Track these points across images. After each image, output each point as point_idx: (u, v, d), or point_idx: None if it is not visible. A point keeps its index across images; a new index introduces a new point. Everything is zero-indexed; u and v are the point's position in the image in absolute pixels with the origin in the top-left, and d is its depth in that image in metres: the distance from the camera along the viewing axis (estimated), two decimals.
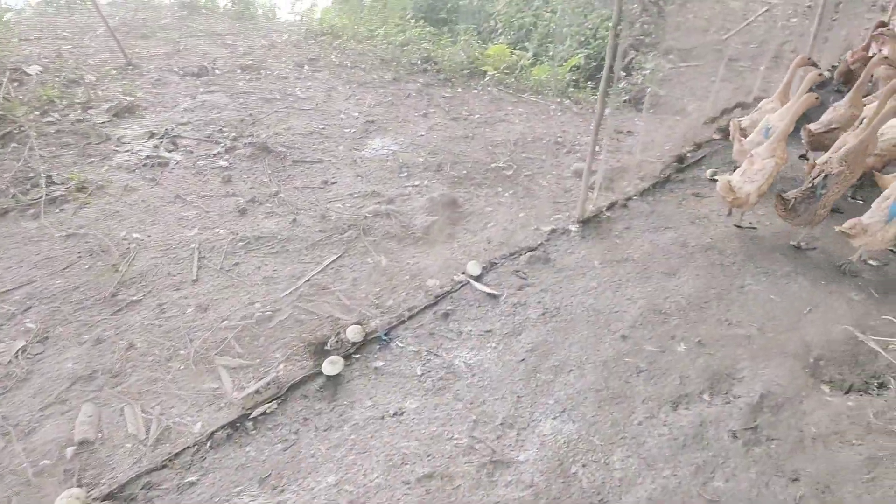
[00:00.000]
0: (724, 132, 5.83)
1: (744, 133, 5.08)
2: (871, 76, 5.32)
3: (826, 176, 3.93)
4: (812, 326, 3.51)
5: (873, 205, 3.85)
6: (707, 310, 3.64)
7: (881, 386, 3.14)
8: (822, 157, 4.26)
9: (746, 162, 4.33)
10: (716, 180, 5.11)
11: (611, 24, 4.06)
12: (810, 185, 3.97)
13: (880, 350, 3.33)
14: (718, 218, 4.61)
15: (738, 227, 4.48)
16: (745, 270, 4.00)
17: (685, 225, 4.51)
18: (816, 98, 4.38)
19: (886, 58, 5.22)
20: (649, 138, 6.07)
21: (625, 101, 7.56)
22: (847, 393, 3.12)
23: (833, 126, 4.90)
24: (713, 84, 7.99)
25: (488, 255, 4.16)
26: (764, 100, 5.42)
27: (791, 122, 4.23)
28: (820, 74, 4.70)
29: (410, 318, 3.56)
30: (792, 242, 4.26)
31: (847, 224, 3.80)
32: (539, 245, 4.24)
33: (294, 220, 4.41)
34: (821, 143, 4.93)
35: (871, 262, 4.09)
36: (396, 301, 3.70)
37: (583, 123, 6.34)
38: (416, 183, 5.02)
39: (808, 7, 8.63)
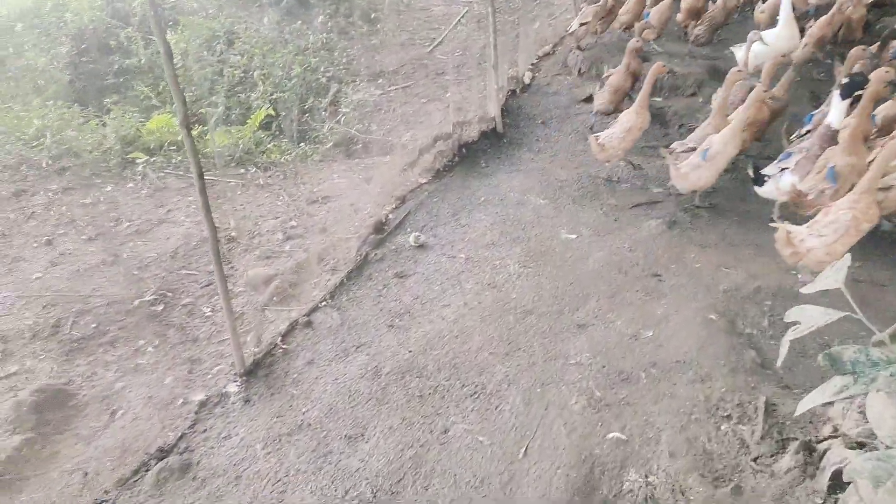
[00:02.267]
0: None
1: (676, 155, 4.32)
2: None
3: None
4: None
5: None
6: (401, 494, 2.51)
7: None
8: None
9: (822, 212, 3.29)
10: (421, 245, 4.10)
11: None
12: None
13: None
14: (431, 308, 3.55)
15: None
16: (452, 396, 2.95)
17: (382, 335, 3.37)
18: None
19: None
20: (348, 201, 4.93)
21: (332, 148, 6.38)
22: None
23: None
24: (425, 105, 7.13)
25: (99, 483, 2.69)
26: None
27: (878, 172, 3.14)
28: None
29: None
30: None
31: None
32: (178, 441, 2.84)
33: None
34: None
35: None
36: None
37: (270, 200, 5.03)
38: (11, 370, 3.37)
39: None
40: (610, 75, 5.43)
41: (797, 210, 3.72)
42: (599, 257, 3.83)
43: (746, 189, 4.52)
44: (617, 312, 3.31)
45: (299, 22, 8.53)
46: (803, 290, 1.72)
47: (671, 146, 4.49)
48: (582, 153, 5.49)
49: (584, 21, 6.74)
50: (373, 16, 9.23)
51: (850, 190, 3.25)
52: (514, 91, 6.69)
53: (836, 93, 3.77)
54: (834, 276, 1.60)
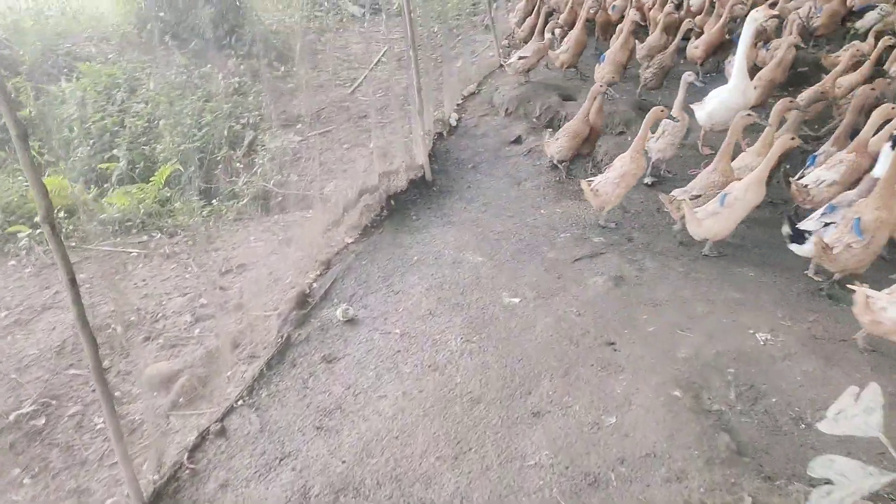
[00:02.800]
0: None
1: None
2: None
3: None
4: None
5: None
6: None
7: None
8: None
9: None
10: (351, 320, 3.64)
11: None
12: None
13: None
14: (365, 401, 3.08)
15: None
16: None
17: (309, 441, 2.87)
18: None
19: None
20: (266, 269, 4.40)
21: (249, 204, 5.83)
22: None
23: None
24: (348, 152, 6.70)
25: None
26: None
27: None
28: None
29: None
30: None
31: None
32: None
33: None
34: None
35: None
36: None
37: (177, 272, 4.43)
38: None
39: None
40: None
41: (821, 264, 3.53)
42: (547, 325, 3.47)
43: (686, 236, 4.32)
44: (573, 395, 2.95)
45: (209, 65, 7.95)
46: (822, 429, 1.36)
47: (672, 193, 4.29)
48: (515, 200, 5.20)
49: (523, 55, 6.56)
50: (288, 57, 8.76)
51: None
52: (441, 134, 6.37)
53: (886, 145, 3.63)
54: (865, 418, 1.26)
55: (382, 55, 8.86)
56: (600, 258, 4.19)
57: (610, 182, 4.32)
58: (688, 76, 4.89)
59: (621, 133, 6.02)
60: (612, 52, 6.19)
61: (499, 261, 4.24)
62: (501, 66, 7.82)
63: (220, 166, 6.49)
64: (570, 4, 7.48)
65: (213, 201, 5.81)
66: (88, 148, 6.54)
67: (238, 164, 6.35)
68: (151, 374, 3.34)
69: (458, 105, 6.97)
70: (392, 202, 5.18)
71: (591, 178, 4.48)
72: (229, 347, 3.46)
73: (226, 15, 8.62)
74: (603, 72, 6.13)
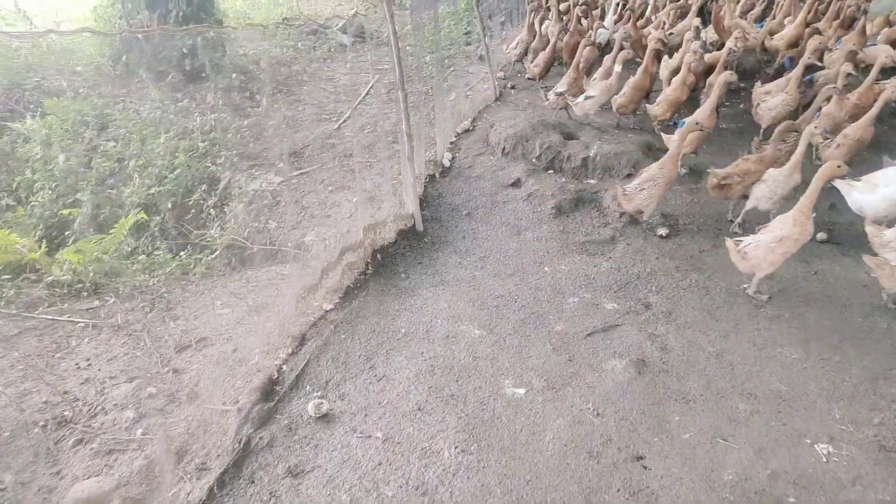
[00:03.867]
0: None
1: None
2: None
3: None
4: None
5: None
6: None
7: None
8: None
9: None
10: (325, 415, 2.99)
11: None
12: None
13: None
14: None
15: None
16: None
17: None
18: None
19: None
20: (231, 345, 3.75)
21: (220, 256, 5.19)
22: None
23: None
24: (332, 195, 6.08)
25: None
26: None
27: None
28: None
29: None
30: None
31: None
32: None
33: None
34: None
35: None
36: None
37: (127, 349, 3.76)
38: None
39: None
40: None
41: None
42: (560, 429, 2.83)
43: (713, 301, 3.70)
44: None
45: (186, 100, 7.34)
46: None
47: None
48: (515, 254, 4.58)
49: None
50: (272, 89, 8.18)
51: None
52: (433, 176, 5.77)
53: None
54: None
55: (371, 87, 8.28)
56: (616, 332, 3.56)
57: (764, 245, 3.60)
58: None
59: (629, 176, 5.42)
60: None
61: (499, 335, 3.60)
62: (497, 99, 7.27)
63: (191, 212, 5.85)
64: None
65: (182, 254, 5.16)
66: (50, 192, 5.89)
67: (212, 211, 5.71)
68: (77, 497, 2.67)
69: (451, 143, 6.38)
70: (378, 256, 4.57)
71: (739, 238, 3.83)
72: (173, 460, 2.79)
73: (206, 46, 8.03)
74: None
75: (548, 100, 6.32)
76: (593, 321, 3.68)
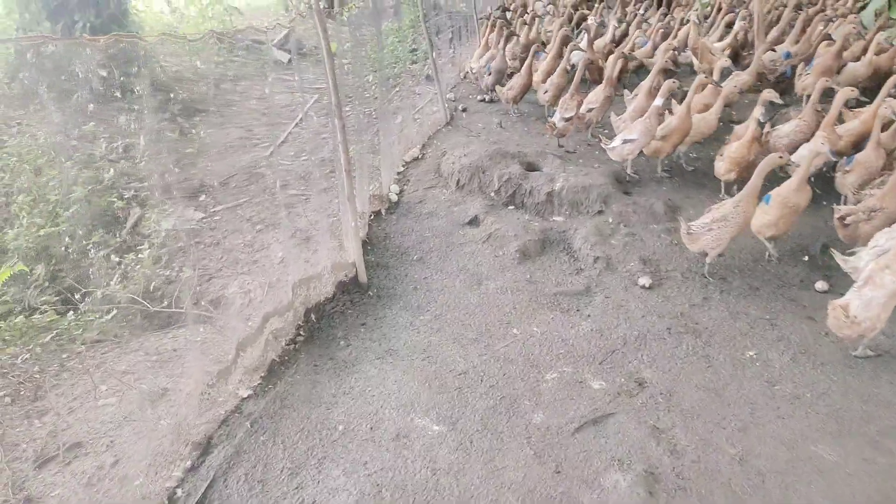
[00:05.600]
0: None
1: None
2: None
3: None
4: None
5: None
6: None
7: None
8: None
9: None
10: None
11: None
12: None
13: None
14: None
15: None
16: None
17: None
18: None
19: None
20: (111, 453, 2.75)
21: (117, 316, 4.14)
22: None
23: None
24: (261, 234, 5.11)
25: None
26: None
27: None
28: None
29: None
30: None
31: None
32: None
33: None
34: None
35: None
36: None
37: None
38: None
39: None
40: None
41: None
42: None
43: (717, 375, 2.97)
44: None
45: (93, 123, 6.22)
46: None
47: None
48: (477, 310, 3.76)
49: (629, 138, 4.81)
50: (196, 110, 7.13)
51: None
52: (378, 213, 4.91)
53: None
54: None
55: (309, 107, 7.35)
56: (610, 425, 2.77)
57: (876, 303, 2.93)
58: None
59: (600, 212, 4.70)
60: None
61: (464, 432, 2.75)
62: (448, 123, 6.47)
63: (89, 258, 4.76)
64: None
65: (70, 313, 4.08)
66: None
67: (114, 257, 4.65)
68: None
69: (398, 174, 5.53)
70: (313, 317, 3.67)
71: (843, 301, 3.08)
72: None
73: (119, 61, 6.92)
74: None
75: (555, 128, 5.44)
76: (579, 408, 2.89)
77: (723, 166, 4.56)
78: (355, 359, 3.34)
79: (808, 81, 5.68)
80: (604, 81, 5.57)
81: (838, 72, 5.69)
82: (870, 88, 5.29)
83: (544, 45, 7.20)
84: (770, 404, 2.87)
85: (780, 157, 3.66)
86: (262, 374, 3.20)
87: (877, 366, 3.10)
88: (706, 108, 5.05)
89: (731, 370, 3.12)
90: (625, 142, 4.79)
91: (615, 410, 2.85)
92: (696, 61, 6.59)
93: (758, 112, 4.42)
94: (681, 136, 4.75)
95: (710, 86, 5.15)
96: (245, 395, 3.05)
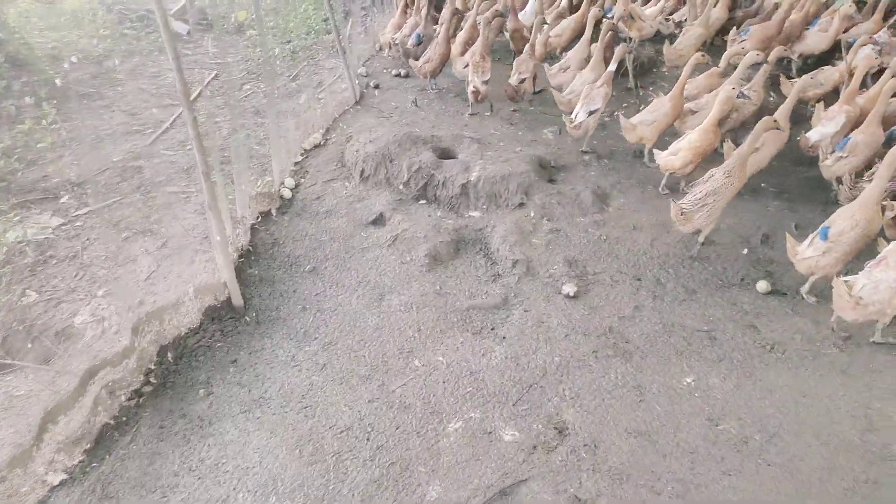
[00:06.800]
0: None
1: None
2: None
3: None
4: None
5: None
6: None
7: None
8: None
9: None
10: None
11: None
12: None
13: None
14: None
15: None
16: None
17: None
18: None
19: None
20: None
21: None
22: None
23: None
24: (128, 244, 4.24)
25: None
26: None
27: None
28: None
29: None
30: None
31: None
32: None
33: None
34: None
35: None
36: None
37: None
38: None
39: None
40: None
41: None
42: None
43: (651, 415, 2.40)
44: None
45: None
46: None
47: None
48: (375, 335, 3.08)
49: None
50: (71, 94, 6.04)
51: None
52: (267, 214, 4.12)
53: None
54: None
55: (206, 86, 6.37)
56: (521, 496, 2.16)
57: (885, 286, 2.61)
58: None
59: (521, 205, 4.06)
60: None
61: None
62: (357, 102, 5.66)
63: None
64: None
65: None
66: None
67: None
68: None
69: (295, 164, 4.71)
70: (169, 357, 2.91)
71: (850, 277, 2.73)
72: None
73: None
74: None
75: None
76: (486, 473, 2.26)
77: (679, 160, 3.84)
78: (214, 414, 2.62)
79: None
80: (527, 48, 4.95)
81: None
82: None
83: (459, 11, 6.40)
84: (713, 453, 2.32)
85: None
86: (87, 447, 2.44)
87: (833, 393, 2.60)
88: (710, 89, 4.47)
89: (666, 405, 2.56)
90: (590, 113, 4.30)
91: (528, 475, 2.24)
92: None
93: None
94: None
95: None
96: (57, 483, 2.29)
